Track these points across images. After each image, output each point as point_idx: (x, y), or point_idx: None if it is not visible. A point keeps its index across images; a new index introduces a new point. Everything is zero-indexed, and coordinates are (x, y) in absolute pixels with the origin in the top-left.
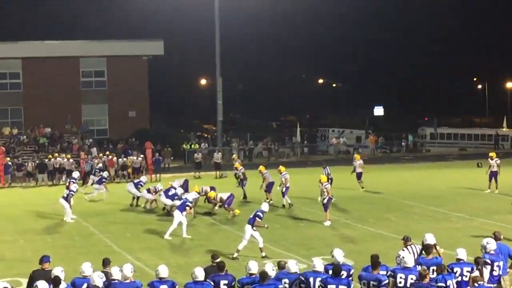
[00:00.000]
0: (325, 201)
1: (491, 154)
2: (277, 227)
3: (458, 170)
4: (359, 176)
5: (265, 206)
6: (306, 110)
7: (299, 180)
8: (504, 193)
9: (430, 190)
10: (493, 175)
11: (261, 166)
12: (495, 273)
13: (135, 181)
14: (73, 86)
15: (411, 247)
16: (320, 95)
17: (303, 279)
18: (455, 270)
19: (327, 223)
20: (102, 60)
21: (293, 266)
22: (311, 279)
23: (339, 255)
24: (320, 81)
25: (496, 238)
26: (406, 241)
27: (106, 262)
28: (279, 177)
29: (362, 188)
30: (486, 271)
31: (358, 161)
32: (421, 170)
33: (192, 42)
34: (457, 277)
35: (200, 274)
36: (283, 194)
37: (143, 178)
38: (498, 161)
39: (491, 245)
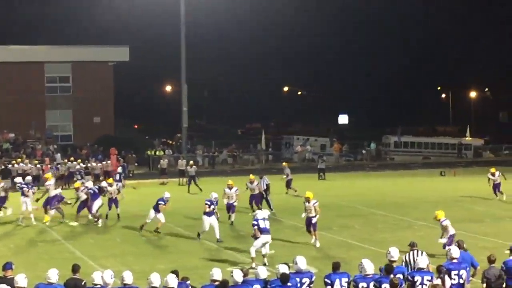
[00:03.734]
0: (314, 220)
1: (492, 170)
2: (242, 234)
3: (421, 178)
4: (289, 183)
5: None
6: (271, 117)
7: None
8: (467, 202)
9: (394, 198)
10: (496, 186)
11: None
12: (454, 282)
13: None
14: (38, 91)
15: (413, 253)
16: (286, 103)
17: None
18: (415, 278)
19: (318, 244)
20: (67, 66)
21: (263, 272)
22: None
23: (302, 262)
24: (286, 89)
25: (459, 246)
26: (411, 246)
27: (75, 269)
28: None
29: (295, 191)
30: (448, 280)
31: (287, 169)
32: (385, 178)
33: (158, 48)
34: (418, 286)
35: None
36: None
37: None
38: (500, 174)
39: (454, 253)
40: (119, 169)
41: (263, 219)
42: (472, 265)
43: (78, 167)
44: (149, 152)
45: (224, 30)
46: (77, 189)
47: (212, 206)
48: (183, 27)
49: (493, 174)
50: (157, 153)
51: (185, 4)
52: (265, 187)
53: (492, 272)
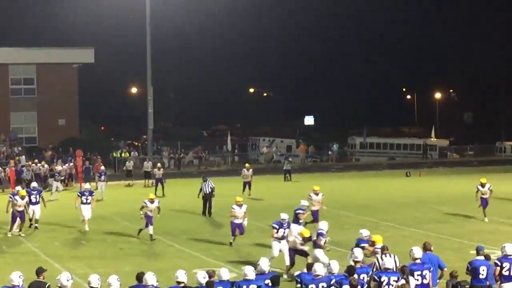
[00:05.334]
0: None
1: (482, 180)
2: (207, 235)
3: (387, 179)
4: (249, 185)
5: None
6: (237, 119)
7: (230, 189)
8: (433, 202)
9: (360, 199)
10: (484, 202)
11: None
12: (418, 282)
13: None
14: (2, 93)
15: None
16: (251, 104)
17: None
18: (382, 279)
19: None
20: (32, 68)
21: (225, 273)
22: (244, 287)
23: (265, 264)
24: (251, 90)
25: (426, 248)
26: (382, 250)
27: (39, 271)
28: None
29: (249, 195)
30: (413, 280)
31: (249, 171)
32: (351, 179)
33: (123, 50)
34: (384, 286)
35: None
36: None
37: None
38: (491, 187)
39: (416, 254)
40: (102, 168)
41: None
42: (439, 266)
43: (43, 169)
44: (114, 154)
45: (189, 32)
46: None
47: (282, 230)
48: (149, 29)
49: (482, 185)
50: (123, 155)
51: (150, 6)
52: (209, 190)
53: (452, 283)
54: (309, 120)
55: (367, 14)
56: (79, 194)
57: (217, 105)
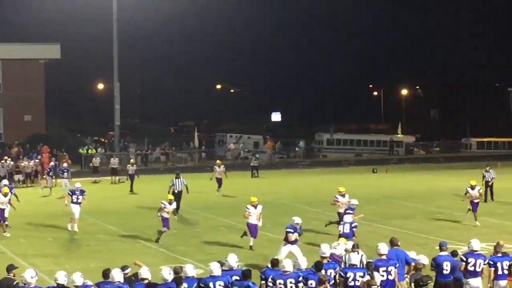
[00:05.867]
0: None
1: (471, 182)
2: (175, 232)
3: (354, 175)
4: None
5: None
6: (204, 115)
7: (197, 185)
8: (399, 198)
9: (326, 195)
10: (475, 205)
11: None
12: (383, 278)
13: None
14: None
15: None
16: (219, 100)
17: (202, 285)
18: (348, 275)
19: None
20: None
21: (190, 270)
22: (210, 284)
23: (233, 260)
24: (218, 86)
25: (393, 243)
26: (353, 247)
27: (10, 268)
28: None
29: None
30: (378, 276)
31: (220, 167)
32: (318, 175)
33: (90, 46)
34: (350, 282)
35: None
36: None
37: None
38: (481, 190)
39: (382, 250)
40: (65, 165)
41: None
42: (406, 261)
43: (6, 165)
44: (81, 151)
45: (156, 28)
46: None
47: (296, 234)
48: (116, 24)
49: (472, 187)
50: (90, 151)
51: (117, 1)
52: (181, 188)
53: (415, 277)
54: (276, 117)
55: (334, 10)
56: (69, 192)
57: (184, 102)
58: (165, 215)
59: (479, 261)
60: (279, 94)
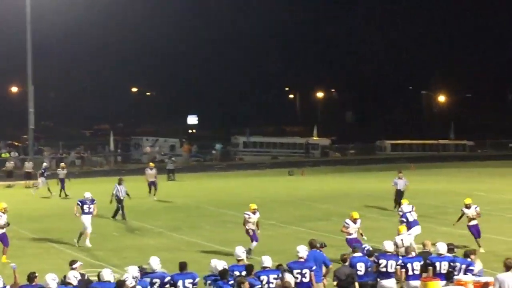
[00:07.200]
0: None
1: (466, 201)
2: (93, 236)
3: (270, 178)
4: (155, 186)
5: None
6: (120, 118)
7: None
8: (315, 200)
9: (243, 198)
10: (474, 230)
11: None
12: (297, 281)
13: None
14: None
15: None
16: (134, 103)
17: None
18: (261, 278)
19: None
20: None
21: (108, 275)
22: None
23: (155, 263)
24: (134, 89)
25: (312, 245)
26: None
27: None
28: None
29: (154, 195)
30: (290, 277)
31: (152, 170)
32: (234, 178)
33: (3, 47)
34: (264, 285)
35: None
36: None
37: None
38: (478, 209)
39: (300, 253)
40: None
41: (410, 212)
42: (324, 264)
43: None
44: None
45: (71, 30)
46: None
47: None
48: (29, 27)
49: (467, 207)
50: (3, 155)
51: (31, 3)
52: (124, 195)
53: (343, 271)
54: (192, 120)
55: (251, 14)
56: (79, 202)
57: (99, 105)
58: (252, 226)
59: (391, 262)
60: (195, 97)
